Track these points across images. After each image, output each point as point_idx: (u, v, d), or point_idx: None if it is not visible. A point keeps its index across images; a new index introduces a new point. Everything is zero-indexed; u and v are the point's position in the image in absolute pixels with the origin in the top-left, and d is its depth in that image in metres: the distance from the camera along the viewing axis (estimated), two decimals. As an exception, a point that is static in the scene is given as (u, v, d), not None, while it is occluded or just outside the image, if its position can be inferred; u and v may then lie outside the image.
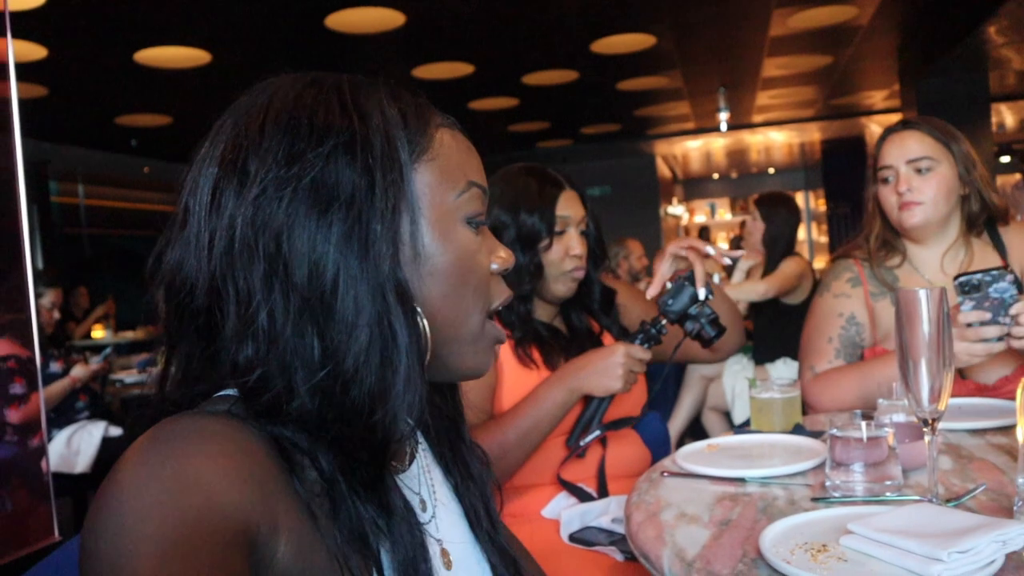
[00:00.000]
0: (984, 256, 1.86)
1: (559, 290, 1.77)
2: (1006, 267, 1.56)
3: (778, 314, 4.14)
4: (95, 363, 3.80)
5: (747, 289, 4.14)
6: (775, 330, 4.15)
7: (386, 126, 0.71)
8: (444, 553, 0.79)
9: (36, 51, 4.89)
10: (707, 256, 1.71)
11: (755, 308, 4.24)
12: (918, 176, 1.81)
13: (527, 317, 1.78)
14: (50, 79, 5.50)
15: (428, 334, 0.72)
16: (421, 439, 0.87)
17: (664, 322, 1.68)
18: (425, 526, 0.78)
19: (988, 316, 1.52)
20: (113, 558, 0.56)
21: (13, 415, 2.49)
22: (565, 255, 1.74)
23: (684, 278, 1.69)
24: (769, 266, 4.22)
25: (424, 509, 0.80)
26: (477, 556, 0.84)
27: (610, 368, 1.63)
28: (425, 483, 0.83)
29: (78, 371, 3.71)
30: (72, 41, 4.87)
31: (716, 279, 4.41)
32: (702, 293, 1.68)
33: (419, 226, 0.71)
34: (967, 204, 1.85)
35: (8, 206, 1.77)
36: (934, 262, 1.88)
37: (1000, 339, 1.53)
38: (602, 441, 1.76)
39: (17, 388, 2.52)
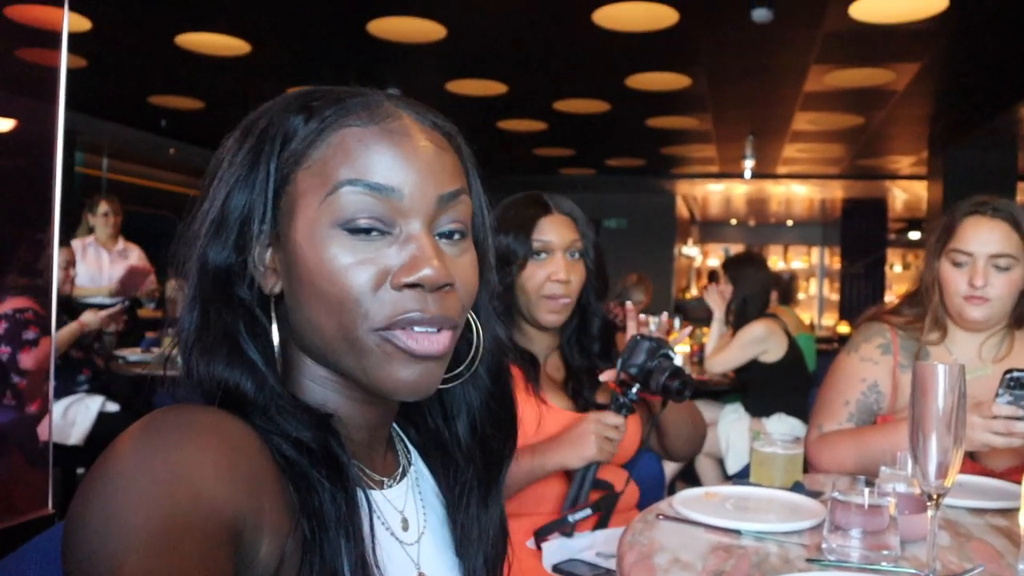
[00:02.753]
0: (1023, 349, 1.83)
1: (543, 317, 1.71)
2: None
3: (759, 374, 4.17)
4: (107, 311, 3.74)
5: (709, 364, 4.26)
6: (762, 388, 4.17)
7: (261, 138, 0.72)
8: None
9: (81, 23, 4.94)
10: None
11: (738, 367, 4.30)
12: (995, 272, 1.74)
13: None
14: (91, 52, 5.56)
15: (272, 329, 0.73)
16: (416, 461, 0.87)
17: (635, 389, 1.64)
18: (405, 547, 0.78)
19: (1021, 414, 1.49)
20: (98, 547, 0.56)
21: (26, 359, 2.53)
22: (546, 280, 1.69)
23: (636, 336, 1.67)
24: (739, 324, 4.26)
25: (406, 528, 0.79)
26: None
27: (582, 438, 1.61)
28: (414, 504, 0.82)
29: (88, 316, 3.65)
30: (117, 16, 4.92)
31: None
32: (652, 325, 1.66)
33: (291, 229, 0.71)
34: (1022, 300, 1.80)
35: (43, 174, 1.79)
36: (972, 348, 1.83)
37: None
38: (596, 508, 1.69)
39: (30, 334, 2.59)
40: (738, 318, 4.30)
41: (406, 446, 0.87)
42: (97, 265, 5.07)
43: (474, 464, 0.86)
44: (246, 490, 0.62)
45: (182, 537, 0.55)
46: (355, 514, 0.69)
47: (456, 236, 0.74)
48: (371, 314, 0.69)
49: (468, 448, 0.86)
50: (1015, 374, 1.49)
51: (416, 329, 0.70)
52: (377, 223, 0.69)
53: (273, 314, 0.74)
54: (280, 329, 0.74)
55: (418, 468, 0.87)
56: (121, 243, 5.24)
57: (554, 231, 1.71)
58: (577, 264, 1.73)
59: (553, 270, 1.69)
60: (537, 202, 1.74)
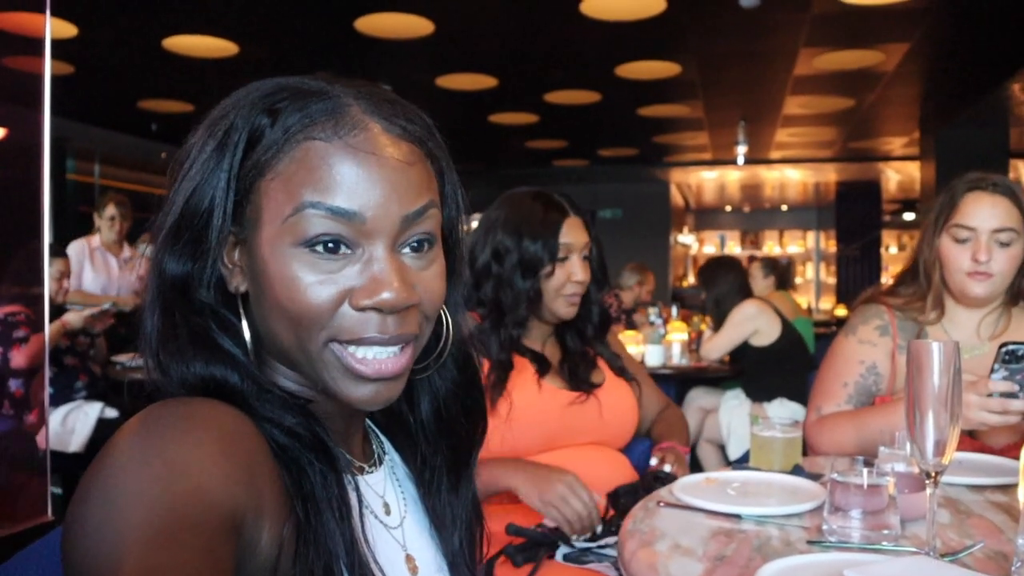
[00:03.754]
0: (1020, 325, 1.83)
1: (560, 311, 1.79)
2: None
3: (755, 358, 4.22)
4: (91, 311, 3.71)
5: (704, 351, 4.43)
6: (760, 372, 4.21)
7: (224, 140, 0.71)
8: (409, 559, 0.80)
9: (67, 29, 4.92)
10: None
11: (733, 353, 4.37)
12: (998, 247, 1.74)
13: (513, 342, 1.78)
14: (78, 58, 5.53)
15: (246, 336, 0.73)
16: (390, 451, 0.88)
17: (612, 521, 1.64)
18: (391, 530, 0.80)
19: (1016, 389, 1.48)
20: (98, 544, 0.56)
21: (18, 357, 2.54)
22: (567, 280, 1.77)
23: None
24: (718, 323, 4.41)
25: (388, 513, 0.81)
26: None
27: (550, 482, 1.56)
28: (393, 490, 0.84)
29: (70, 316, 3.65)
30: (103, 22, 4.90)
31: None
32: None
33: (256, 239, 0.71)
34: (1020, 276, 1.80)
35: (31, 182, 1.79)
36: (971, 326, 1.83)
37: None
38: None
39: (21, 332, 2.61)
40: (716, 321, 4.43)
41: (378, 435, 0.89)
42: (106, 271, 4.82)
43: (441, 451, 0.87)
44: (245, 481, 0.62)
45: (182, 531, 0.55)
46: (346, 496, 0.70)
47: (425, 246, 0.73)
48: (331, 330, 0.70)
49: (433, 435, 0.87)
50: (1010, 347, 1.48)
51: (374, 348, 0.71)
52: (340, 241, 0.69)
53: (242, 311, 0.74)
54: (249, 325, 0.74)
55: (392, 456, 0.88)
56: (127, 250, 4.97)
57: (573, 234, 1.78)
58: (587, 264, 1.82)
59: (572, 271, 1.77)
60: (555, 206, 1.79)
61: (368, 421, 0.89)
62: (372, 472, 0.82)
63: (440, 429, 0.87)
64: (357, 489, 0.73)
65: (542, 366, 1.80)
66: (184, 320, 0.71)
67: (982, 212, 1.75)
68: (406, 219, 0.70)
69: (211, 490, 0.59)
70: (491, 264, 1.77)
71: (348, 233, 0.69)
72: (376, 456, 0.85)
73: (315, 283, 0.68)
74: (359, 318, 0.69)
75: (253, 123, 0.71)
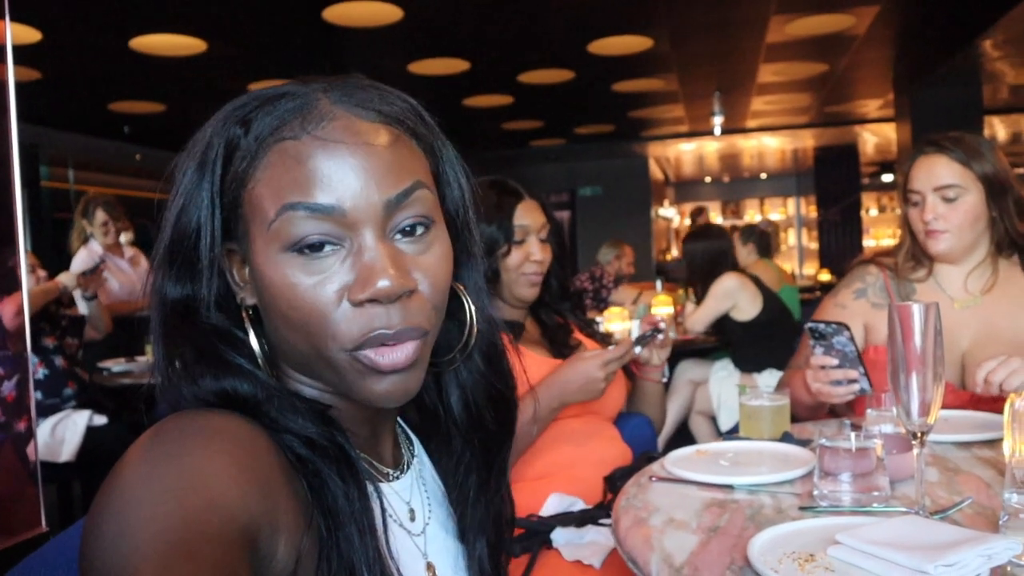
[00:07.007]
0: (1010, 278, 1.86)
1: (523, 293, 1.86)
2: (845, 325, 1.65)
3: (739, 331, 4.26)
4: (81, 269, 3.60)
5: (688, 324, 4.45)
6: (746, 344, 4.25)
7: (202, 160, 0.71)
8: (430, 567, 0.79)
9: (30, 34, 4.85)
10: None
11: (715, 327, 4.38)
12: (944, 204, 1.80)
13: None
14: (44, 63, 5.46)
15: (259, 353, 0.72)
16: (420, 452, 0.87)
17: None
18: (413, 537, 0.78)
19: (835, 362, 1.66)
20: (114, 558, 0.55)
21: (5, 308, 2.46)
22: (525, 260, 1.84)
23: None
24: (701, 294, 4.43)
25: (412, 519, 0.79)
26: None
27: (591, 383, 1.75)
28: (420, 495, 0.82)
29: (64, 276, 3.56)
30: (67, 25, 4.84)
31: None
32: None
33: (251, 252, 0.70)
34: (997, 226, 1.84)
35: (2, 190, 1.76)
36: (958, 280, 1.88)
37: (859, 386, 1.65)
38: None
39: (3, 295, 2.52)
40: (701, 287, 4.45)
41: (408, 437, 0.87)
42: (121, 274, 4.62)
43: (471, 447, 0.85)
44: (259, 493, 0.61)
45: (197, 545, 0.54)
46: (368, 508, 0.68)
47: (419, 230, 0.70)
48: (339, 335, 0.68)
49: (464, 429, 0.85)
50: (810, 325, 1.66)
51: (384, 345, 0.69)
52: (327, 238, 0.67)
53: (249, 326, 0.73)
54: (265, 338, 0.73)
55: (421, 458, 0.87)
56: (130, 250, 4.78)
57: (529, 216, 1.85)
58: (546, 245, 1.89)
59: (530, 252, 1.85)
60: (509, 190, 1.86)
61: (401, 422, 0.87)
62: (399, 477, 0.80)
63: (471, 423, 0.85)
64: (382, 497, 0.72)
65: (515, 331, 1.88)
66: (189, 343, 0.70)
67: (921, 174, 1.84)
68: (389, 204, 0.68)
69: (225, 503, 0.58)
70: None
71: (331, 228, 0.66)
72: (405, 460, 0.83)
73: (312, 285, 0.67)
74: (362, 314, 0.67)
75: (228, 136, 0.69)
